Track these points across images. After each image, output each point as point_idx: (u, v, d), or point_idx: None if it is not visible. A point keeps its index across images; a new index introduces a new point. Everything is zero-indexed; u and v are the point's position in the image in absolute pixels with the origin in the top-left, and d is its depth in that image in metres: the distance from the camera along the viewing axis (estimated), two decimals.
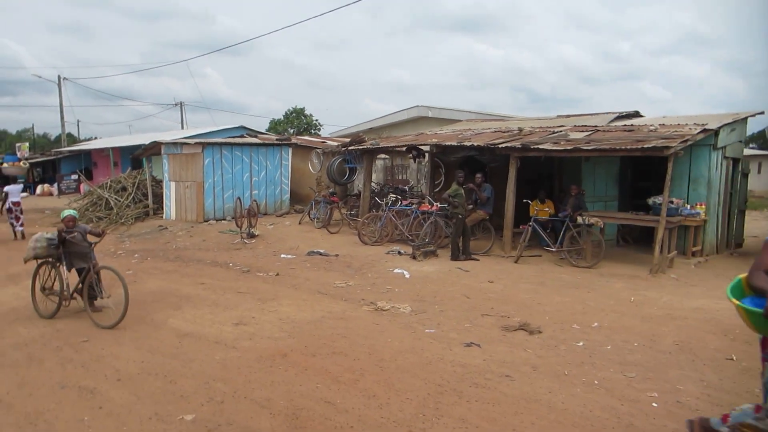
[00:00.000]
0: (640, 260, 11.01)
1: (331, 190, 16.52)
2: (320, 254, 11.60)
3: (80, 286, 7.16)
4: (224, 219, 16.87)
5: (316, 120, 52.35)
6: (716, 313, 7.43)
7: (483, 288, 8.76)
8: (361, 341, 6.06)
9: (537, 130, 13.35)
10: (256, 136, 23.48)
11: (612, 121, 13.58)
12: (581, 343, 6.13)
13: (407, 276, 9.58)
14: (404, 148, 14.82)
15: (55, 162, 35.56)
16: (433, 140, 13.28)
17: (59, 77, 38.44)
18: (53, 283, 7.41)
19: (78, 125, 55.24)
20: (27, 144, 43.29)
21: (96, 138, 50.96)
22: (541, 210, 11.80)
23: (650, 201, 10.82)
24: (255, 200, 15.68)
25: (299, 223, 16.01)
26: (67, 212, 7.28)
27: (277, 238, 13.93)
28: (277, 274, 9.85)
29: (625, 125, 12.72)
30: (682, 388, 4.99)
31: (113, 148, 31.13)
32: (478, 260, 10.92)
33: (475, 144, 12.04)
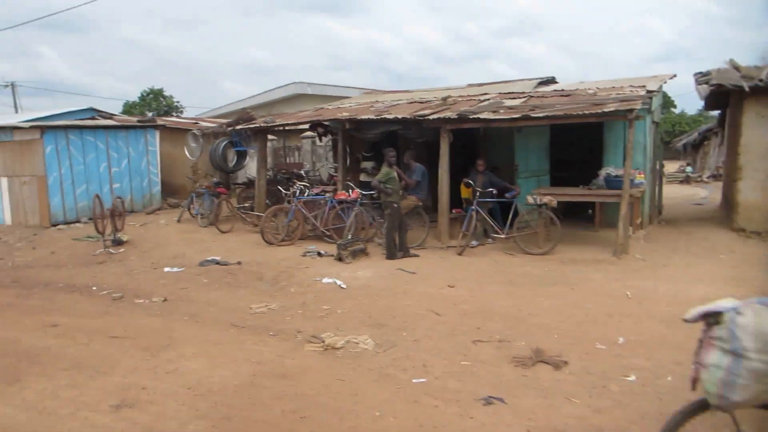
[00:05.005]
0: (587, 239, 9.84)
1: (215, 180, 13.72)
2: (217, 263, 9.04)
3: None
4: (78, 222, 13.42)
5: (178, 102, 47.18)
6: None
7: (447, 296, 6.88)
8: (332, 421, 3.87)
9: (460, 99, 11.68)
10: (111, 119, 19.56)
11: (536, 87, 12.29)
12: (632, 377, 4.45)
13: (343, 287, 7.43)
14: (307, 126, 12.46)
15: None
16: (344, 114, 11.09)
17: None
18: None
19: None
20: None
21: None
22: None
23: (603, 172, 9.58)
24: (119, 196, 12.48)
25: (178, 221, 13.09)
26: None
27: (153, 244, 11.02)
28: (165, 300, 7.22)
29: (555, 90, 11.47)
30: None
31: None
32: (418, 256, 9.04)
33: (399, 116, 10.06)
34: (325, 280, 7.75)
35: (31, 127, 13.17)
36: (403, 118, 10.02)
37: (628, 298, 6.59)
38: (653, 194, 12.31)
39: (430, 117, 9.71)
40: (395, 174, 9.03)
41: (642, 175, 10.47)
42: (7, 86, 34.89)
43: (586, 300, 6.54)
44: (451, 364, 4.84)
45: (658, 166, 13.16)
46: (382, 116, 10.32)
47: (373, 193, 9.87)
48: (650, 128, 11.21)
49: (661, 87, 12.22)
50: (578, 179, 11.68)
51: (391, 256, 8.85)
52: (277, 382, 4.52)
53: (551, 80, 13.56)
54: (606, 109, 8.35)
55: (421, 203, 9.91)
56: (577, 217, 11.42)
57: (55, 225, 13.02)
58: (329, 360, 5.03)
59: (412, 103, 12.12)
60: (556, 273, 7.83)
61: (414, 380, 4.53)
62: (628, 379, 4.43)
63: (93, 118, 19.50)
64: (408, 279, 7.75)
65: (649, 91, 9.96)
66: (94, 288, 8.04)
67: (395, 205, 8.87)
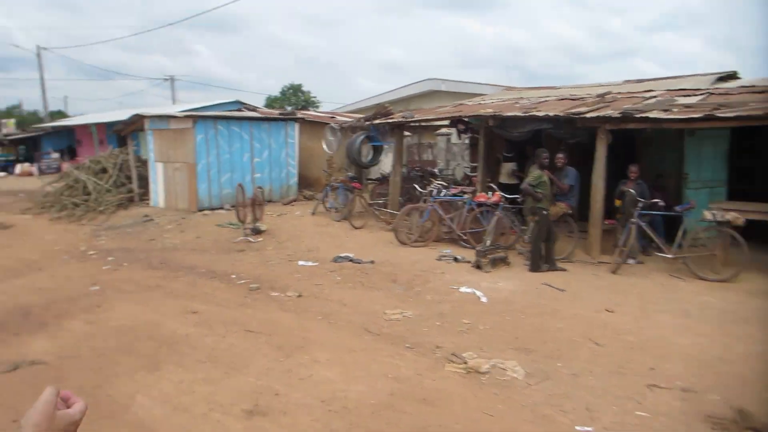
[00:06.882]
0: None
1: (350, 174, 13.65)
2: (351, 260, 8.80)
3: None
4: (221, 208, 13.98)
5: (314, 97, 48.95)
6: None
7: (606, 322, 5.98)
8: None
9: (619, 96, 10.47)
10: (255, 111, 20.46)
11: (714, 83, 10.69)
12: None
13: (483, 299, 6.79)
14: (446, 122, 11.92)
15: (36, 139, 32.44)
16: (487, 111, 10.38)
17: (38, 48, 35.16)
18: None
19: (65, 101, 51.80)
20: (12, 121, 39.85)
21: (83, 115, 47.61)
22: None
23: None
24: (259, 186, 12.80)
25: (312, 214, 13.17)
26: None
27: (289, 235, 11.10)
28: (300, 296, 7.05)
29: (743, 86, 9.84)
30: None
31: (97, 124, 28.07)
32: (566, 270, 8.13)
33: (551, 114, 9.16)
34: (463, 289, 7.15)
35: (185, 117, 13.95)
36: (555, 116, 9.11)
37: None
38: None
39: (587, 115, 8.71)
40: (546, 178, 8.18)
41: None
42: (166, 80, 38.31)
43: None
44: (622, 412, 4.03)
45: None
46: (531, 113, 9.47)
47: (516, 197, 9.09)
48: None
49: None
50: (761, 193, 9.98)
51: (535, 267, 8.04)
52: (417, 408, 4.02)
53: (733, 75, 11.74)
54: None
55: (570, 211, 8.95)
56: (761, 240, 9.70)
57: (201, 210, 13.68)
58: (473, 386, 4.43)
59: (561, 100, 11.09)
60: (745, 307, 6.55)
61: (578, 427, 3.81)
62: None
63: (239, 110, 20.59)
64: (556, 296, 6.92)
65: None
66: (233, 276, 8.12)
67: (545, 212, 8.03)
